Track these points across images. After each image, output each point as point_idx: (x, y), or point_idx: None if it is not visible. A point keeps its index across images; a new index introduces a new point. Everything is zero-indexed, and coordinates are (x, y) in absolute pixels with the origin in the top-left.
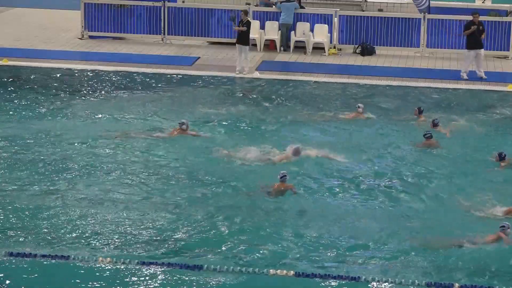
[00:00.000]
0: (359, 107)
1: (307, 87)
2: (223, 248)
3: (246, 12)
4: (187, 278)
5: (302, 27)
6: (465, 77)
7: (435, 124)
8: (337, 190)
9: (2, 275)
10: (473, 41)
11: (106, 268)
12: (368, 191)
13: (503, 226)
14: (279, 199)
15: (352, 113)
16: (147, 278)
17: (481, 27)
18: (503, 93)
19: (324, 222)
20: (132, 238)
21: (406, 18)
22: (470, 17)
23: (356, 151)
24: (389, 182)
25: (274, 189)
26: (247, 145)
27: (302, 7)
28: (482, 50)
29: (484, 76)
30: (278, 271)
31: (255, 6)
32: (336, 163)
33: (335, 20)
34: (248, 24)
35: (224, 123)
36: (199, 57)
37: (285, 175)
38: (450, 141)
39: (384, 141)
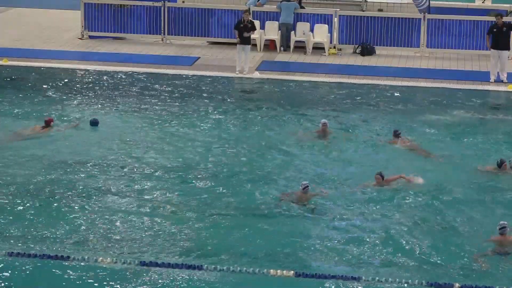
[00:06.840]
0: None
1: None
2: (224, 248)
3: (248, 12)
4: (187, 278)
5: (302, 27)
6: (492, 79)
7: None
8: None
9: (2, 275)
10: (495, 42)
11: (106, 268)
12: (372, 194)
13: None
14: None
15: None
16: (147, 278)
17: (504, 29)
18: (503, 93)
19: (325, 222)
20: (132, 238)
21: (406, 18)
22: (469, 17)
23: None
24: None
25: (297, 199)
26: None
27: (302, 7)
28: (505, 52)
29: (505, 80)
30: (278, 271)
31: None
32: None
33: (335, 20)
34: (251, 23)
35: (223, 122)
36: (199, 57)
37: (307, 186)
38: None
39: None
